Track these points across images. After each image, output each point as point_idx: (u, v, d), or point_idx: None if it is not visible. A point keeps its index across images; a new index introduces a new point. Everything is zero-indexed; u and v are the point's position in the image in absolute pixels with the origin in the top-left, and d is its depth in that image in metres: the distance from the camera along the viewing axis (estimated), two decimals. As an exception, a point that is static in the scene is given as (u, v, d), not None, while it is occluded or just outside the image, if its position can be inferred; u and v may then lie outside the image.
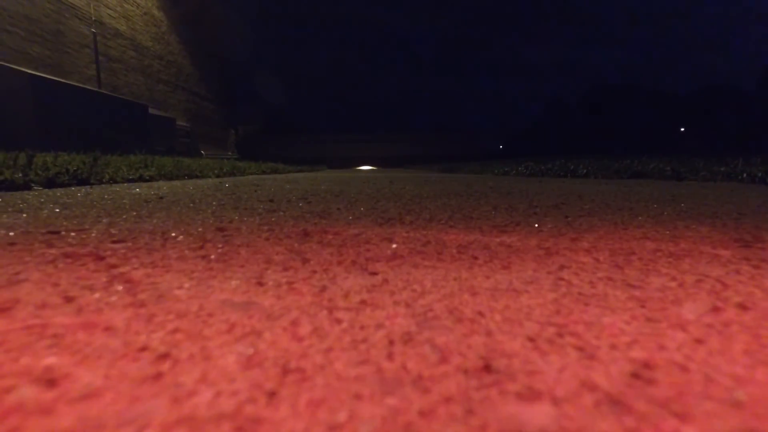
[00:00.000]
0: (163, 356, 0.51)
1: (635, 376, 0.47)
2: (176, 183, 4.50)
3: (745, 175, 4.88)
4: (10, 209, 1.84)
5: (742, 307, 0.69)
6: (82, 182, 3.73)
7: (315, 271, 0.91)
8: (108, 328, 0.59)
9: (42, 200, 2.27)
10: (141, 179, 4.70)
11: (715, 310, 0.68)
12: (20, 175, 3.17)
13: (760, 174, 4.69)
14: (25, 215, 1.66)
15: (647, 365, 0.50)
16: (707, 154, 11.25)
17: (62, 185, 3.45)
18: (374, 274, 0.90)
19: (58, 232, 1.30)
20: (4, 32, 10.05)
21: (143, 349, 0.53)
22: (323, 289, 0.79)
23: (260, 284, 0.81)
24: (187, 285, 0.80)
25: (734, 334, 0.59)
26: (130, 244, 1.16)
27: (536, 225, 1.55)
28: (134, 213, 1.80)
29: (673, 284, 0.82)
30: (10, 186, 2.98)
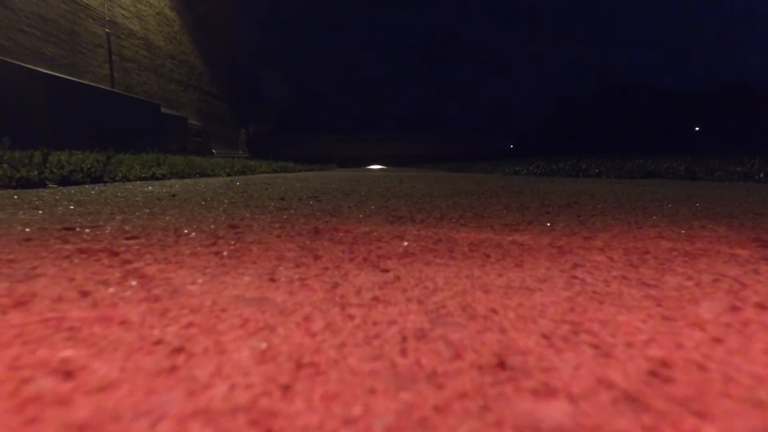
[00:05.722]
0: (178, 350, 0.51)
1: (653, 374, 0.46)
2: (188, 181, 4.53)
3: (762, 174, 4.80)
4: (26, 206, 1.87)
5: (762, 306, 0.68)
6: (96, 180, 3.77)
7: (327, 268, 0.91)
8: (123, 322, 0.59)
9: (57, 197, 2.31)
10: (153, 177, 4.75)
11: (734, 309, 0.67)
12: (36, 172, 3.22)
13: (777, 174, 4.61)
14: (40, 212, 1.69)
15: (665, 364, 0.49)
16: (723, 153, 11.07)
17: (76, 183, 3.49)
18: (386, 271, 0.89)
19: (73, 229, 1.31)
20: (21, 32, 10.21)
21: (158, 342, 0.53)
22: (335, 285, 0.79)
23: (272, 280, 0.81)
24: (200, 280, 0.80)
25: (754, 333, 0.57)
26: (143, 240, 1.17)
27: (548, 224, 1.54)
28: (147, 210, 1.82)
29: (690, 283, 0.81)
30: (26, 183, 3.03)
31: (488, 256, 1.04)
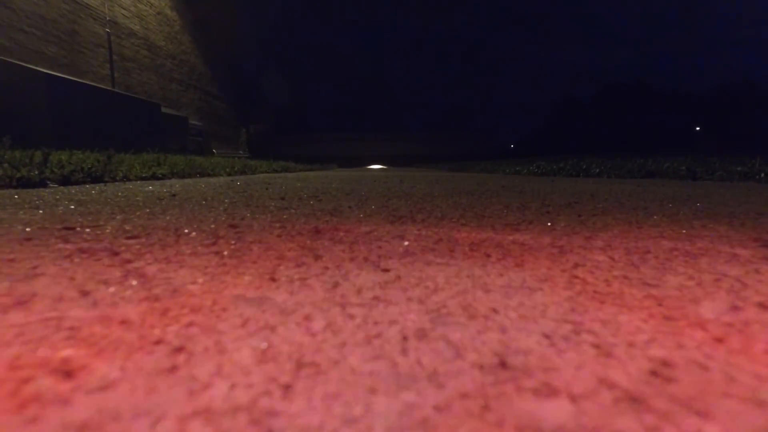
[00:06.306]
0: (178, 349, 0.51)
1: (654, 374, 0.46)
2: (188, 181, 4.53)
3: (762, 174, 4.79)
4: (26, 206, 1.87)
5: (763, 306, 0.68)
6: (97, 180, 3.77)
7: (327, 268, 0.91)
8: (123, 322, 0.59)
9: (57, 197, 2.31)
10: (154, 177, 4.75)
11: (735, 309, 0.67)
12: (36, 172, 3.22)
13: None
14: (41, 211, 1.69)
15: (666, 363, 0.49)
16: (723, 153, 11.07)
17: (77, 183, 3.49)
18: (386, 270, 0.89)
19: (73, 228, 1.31)
20: (21, 32, 10.21)
21: (158, 342, 0.53)
22: (336, 285, 0.79)
23: (273, 280, 0.81)
24: (200, 280, 0.80)
25: (755, 333, 0.57)
26: (143, 240, 1.17)
27: (549, 223, 1.53)
28: (147, 210, 1.82)
29: (691, 283, 0.81)
30: (27, 183, 3.03)
31: (489, 255, 1.04)
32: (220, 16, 22.27)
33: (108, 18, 13.59)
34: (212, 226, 1.42)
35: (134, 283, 0.78)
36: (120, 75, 14.22)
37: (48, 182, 3.23)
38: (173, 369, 0.46)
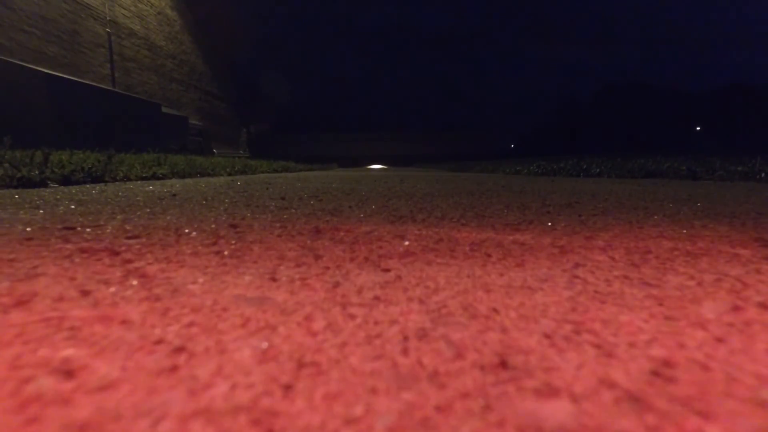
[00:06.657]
0: (179, 349, 0.51)
1: (655, 374, 0.46)
2: (189, 181, 4.53)
3: (763, 174, 4.79)
4: (27, 206, 1.87)
5: (764, 306, 0.68)
6: (97, 180, 3.77)
7: (328, 268, 0.91)
8: (124, 321, 0.59)
9: (58, 197, 2.31)
10: (154, 177, 4.75)
11: (736, 309, 0.67)
12: (37, 172, 3.22)
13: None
14: (41, 211, 1.69)
15: (667, 363, 0.49)
16: (724, 153, 11.06)
17: (77, 182, 3.49)
18: (387, 270, 0.89)
19: (74, 228, 1.31)
20: (22, 32, 10.21)
21: (159, 342, 0.53)
22: (336, 285, 0.79)
23: (273, 280, 0.81)
24: (201, 280, 0.80)
25: (756, 333, 0.57)
26: (144, 239, 1.17)
27: (549, 223, 1.53)
28: (148, 210, 1.82)
29: (692, 283, 0.81)
30: (27, 183, 3.03)
31: (489, 255, 1.04)
32: (220, 16, 22.27)
33: (108, 18, 13.60)
34: (213, 226, 1.42)
35: (135, 282, 0.78)
36: (120, 75, 14.23)
37: (48, 182, 3.23)
38: (174, 369, 0.46)
